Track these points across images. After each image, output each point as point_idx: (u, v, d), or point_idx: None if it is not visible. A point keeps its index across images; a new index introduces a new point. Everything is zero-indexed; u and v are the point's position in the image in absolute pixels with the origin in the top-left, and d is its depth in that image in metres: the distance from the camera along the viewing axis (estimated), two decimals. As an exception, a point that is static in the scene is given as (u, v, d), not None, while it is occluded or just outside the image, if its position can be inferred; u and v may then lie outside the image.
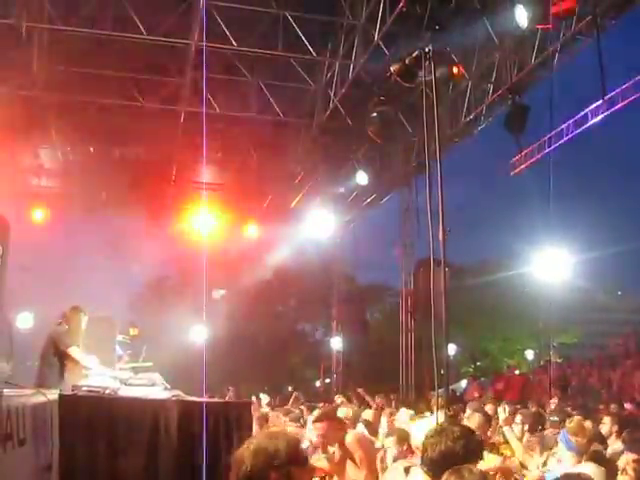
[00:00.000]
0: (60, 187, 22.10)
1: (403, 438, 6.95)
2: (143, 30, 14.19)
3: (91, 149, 19.55)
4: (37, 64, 15.18)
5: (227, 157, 21.25)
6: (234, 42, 14.74)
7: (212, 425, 5.57)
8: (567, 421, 7.13)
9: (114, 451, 5.10)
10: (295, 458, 2.88)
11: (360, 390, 15.76)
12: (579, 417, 7.25)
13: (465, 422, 7.87)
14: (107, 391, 6.00)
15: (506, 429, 7.01)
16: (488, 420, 7.98)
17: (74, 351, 7.78)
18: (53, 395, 4.97)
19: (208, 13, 13.90)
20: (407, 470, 5.27)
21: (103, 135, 18.81)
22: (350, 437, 6.84)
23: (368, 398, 14.92)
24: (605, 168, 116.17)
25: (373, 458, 6.83)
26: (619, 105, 14.77)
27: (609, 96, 14.70)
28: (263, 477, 2.79)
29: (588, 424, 7.05)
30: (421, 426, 5.83)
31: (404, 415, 9.25)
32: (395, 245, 22.55)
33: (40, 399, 4.74)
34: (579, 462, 5.89)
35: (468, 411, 9.56)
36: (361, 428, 8.62)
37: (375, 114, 15.09)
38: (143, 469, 5.24)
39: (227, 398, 16.28)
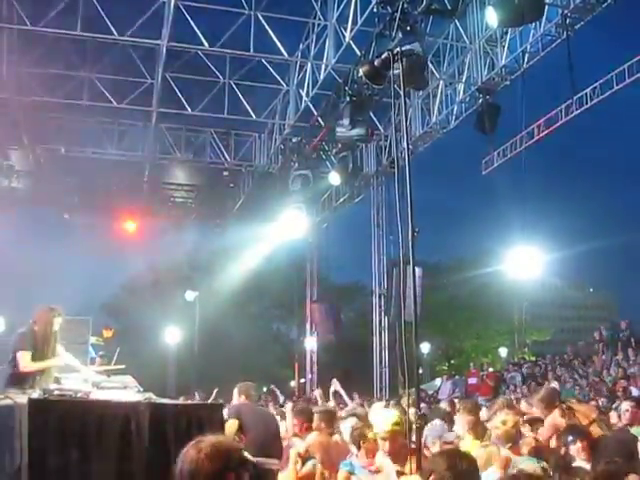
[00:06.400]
0: (31, 189, 21.88)
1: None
2: (114, 30, 14.12)
3: (62, 150, 19.35)
4: (6, 65, 15.02)
5: (199, 157, 21.20)
6: (205, 43, 14.71)
7: (184, 427, 5.55)
8: None
9: (86, 455, 5.04)
10: (244, 462, 3.17)
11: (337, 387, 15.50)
12: None
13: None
14: (79, 394, 5.93)
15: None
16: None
17: (20, 356, 7.58)
18: (21, 399, 4.90)
19: (179, 14, 13.88)
20: None
21: (74, 136, 18.66)
22: (312, 438, 6.90)
23: (346, 397, 14.63)
24: (576, 167, 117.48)
25: (336, 460, 6.66)
26: (588, 104, 14.96)
27: (578, 95, 14.88)
28: (222, 478, 3.02)
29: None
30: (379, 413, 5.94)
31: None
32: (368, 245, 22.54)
33: (7, 403, 4.67)
34: None
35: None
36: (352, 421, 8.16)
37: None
38: (115, 473, 5.19)
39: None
